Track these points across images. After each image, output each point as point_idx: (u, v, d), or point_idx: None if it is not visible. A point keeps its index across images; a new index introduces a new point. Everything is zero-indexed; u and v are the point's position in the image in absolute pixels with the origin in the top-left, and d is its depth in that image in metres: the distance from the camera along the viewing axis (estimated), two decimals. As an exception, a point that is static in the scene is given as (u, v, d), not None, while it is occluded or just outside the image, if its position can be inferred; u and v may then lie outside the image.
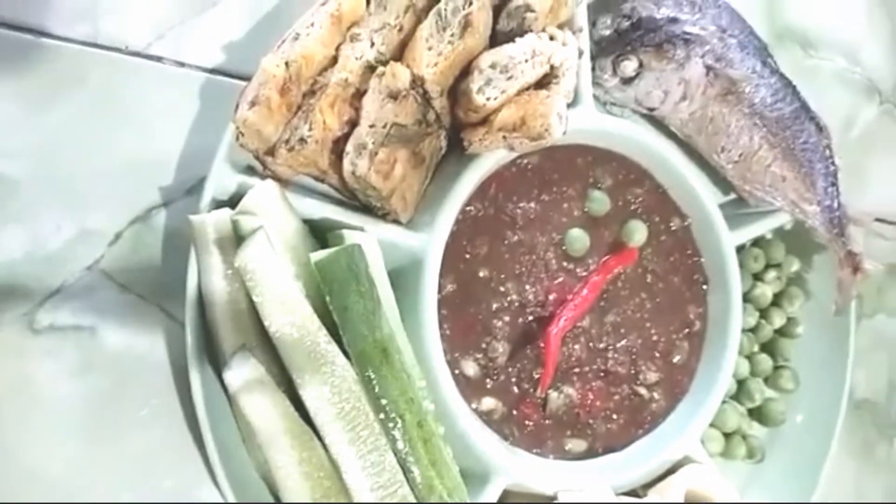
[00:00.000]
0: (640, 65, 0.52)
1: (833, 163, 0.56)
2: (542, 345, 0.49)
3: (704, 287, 0.56)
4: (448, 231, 0.47)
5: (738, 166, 0.56)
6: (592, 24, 0.53)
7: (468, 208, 0.49)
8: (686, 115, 0.54)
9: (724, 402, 0.58)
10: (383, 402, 0.39)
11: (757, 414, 0.60)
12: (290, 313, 0.38)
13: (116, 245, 0.43)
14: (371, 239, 0.42)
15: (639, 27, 0.52)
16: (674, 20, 0.52)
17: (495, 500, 0.46)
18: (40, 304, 0.42)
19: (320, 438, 0.40)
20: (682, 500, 0.48)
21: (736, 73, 0.52)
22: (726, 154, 0.56)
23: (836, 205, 0.57)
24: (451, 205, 0.47)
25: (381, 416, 0.40)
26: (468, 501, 0.44)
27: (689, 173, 0.55)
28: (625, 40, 0.52)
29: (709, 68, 0.52)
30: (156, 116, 0.45)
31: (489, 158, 0.48)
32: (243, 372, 0.37)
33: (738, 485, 0.58)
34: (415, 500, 0.41)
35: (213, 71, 0.46)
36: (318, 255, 0.38)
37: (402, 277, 0.46)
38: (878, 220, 0.66)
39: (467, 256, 0.49)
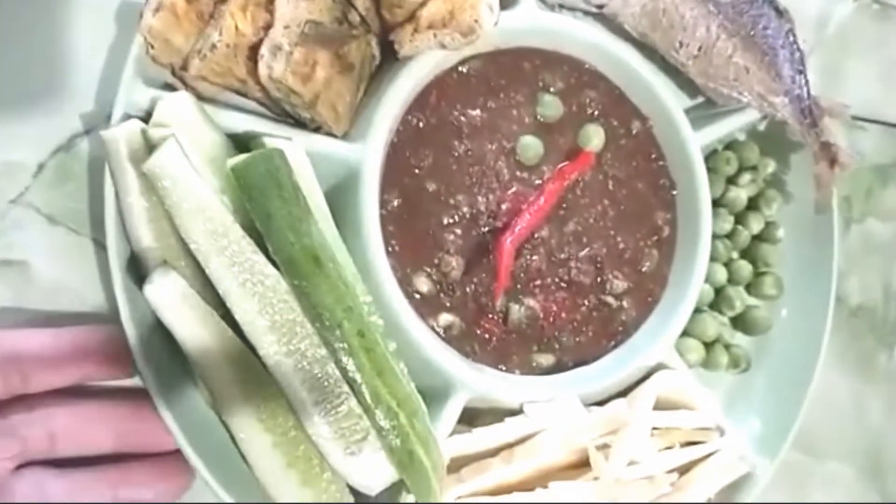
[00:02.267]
0: (584, -43, 0.49)
1: (798, 48, 0.53)
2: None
3: (673, 192, 0.54)
4: (384, 138, 0.45)
5: (699, 62, 0.54)
6: (532, -79, 0.50)
7: (408, 118, 0.47)
8: (638, 10, 0.52)
9: (702, 311, 0.56)
10: (318, 311, 0.38)
11: (742, 323, 0.58)
12: (208, 221, 0.36)
13: (41, 176, 0.42)
14: (297, 147, 0.40)
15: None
16: None
17: (457, 415, 0.45)
18: (-32, 241, 0.41)
19: (257, 355, 0.38)
20: (652, 406, 0.46)
21: (683, -44, 0.49)
22: (685, 49, 0.53)
23: (805, 93, 0.54)
24: (386, 111, 0.45)
25: (318, 325, 0.38)
26: (426, 414, 0.42)
27: (646, 72, 0.52)
28: (565, -66, 0.50)
29: (654, -46, 0.49)
30: (72, 44, 0.43)
31: (426, 64, 0.46)
32: (165, 285, 0.36)
33: (724, 400, 0.56)
34: (361, 412, 0.39)
35: (125, -6, 0.44)
36: (234, 160, 0.37)
37: (342, 193, 0.44)
38: (857, 118, 0.64)
39: (413, 170, 0.47)
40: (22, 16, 0.43)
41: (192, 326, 0.37)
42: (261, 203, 0.37)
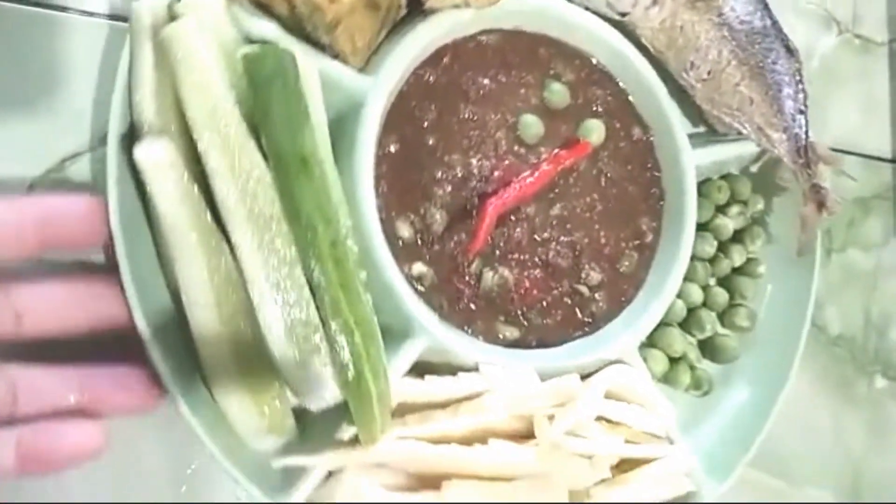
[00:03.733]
0: (614, -37, 0.52)
1: (803, 90, 0.55)
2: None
3: (661, 203, 0.55)
4: (395, 80, 0.46)
5: (707, 86, 0.56)
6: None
7: (421, 71, 0.49)
8: (657, 24, 0.54)
9: (671, 325, 0.56)
10: (297, 209, 0.38)
11: (709, 349, 0.58)
12: (210, 97, 0.37)
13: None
14: (310, 63, 0.42)
15: (615, -73, 0.53)
16: (649, -77, 0.52)
17: (413, 359, 0.45)
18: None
19: (229, 243, 0.39)
20: (602, 397, 0.46)
21: (707, -24, 0.52)
22: (695, 71, 0.55)
23: (803, 134, 0.56)
24: (401, 56, 0.46)
25: (294, 225, 0.38)
26: (381, 348, 0.42)
27: (656, 84, 0.54)
28: (600, -61, 0.52)
29: (679, -31, 0.52)
30: (64, 67, 0.44)
31: (447, 23, 0.48)
32: (155, 151, 0.36)
33: (682, 416, 0.55)
34: (318, 324, 0.39)
35: (118, 18, 0.46)
36: (248, 48, 0.38)
37: (343, 124, 0.46)
38: (839, 150, 0.65)
39: (416, 120, 0.48)
40: (14, 39, 0.44)
41: (172, 200, 0.37)
42: (264, 95, 0.38)
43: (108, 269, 0.40)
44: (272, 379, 0.41)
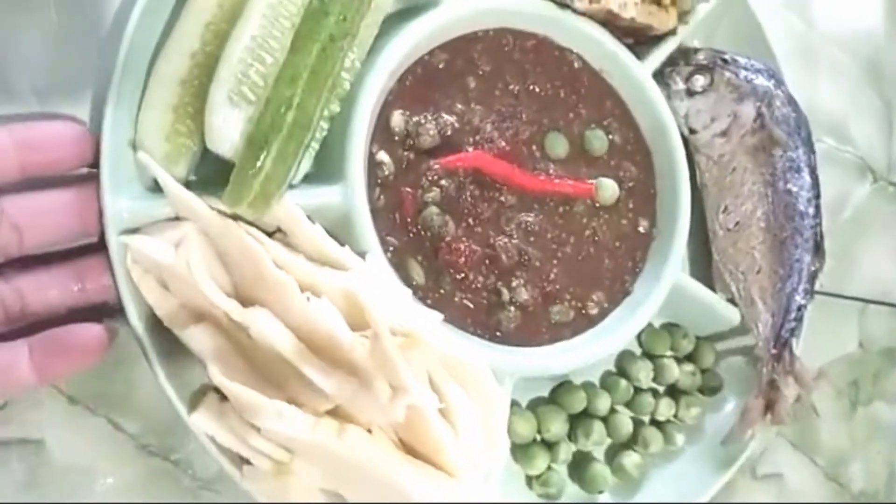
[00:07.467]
0: (711, 83, 0.55)
1: (811, 291, 0.54)
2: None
3: (624, 295, 0.53)
4: (469, 12, 0.49)
5: (729, 237, 0.55)
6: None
7: (501, 33, 0.51)
8: (715, 156, 0.55)
9: (562, 410, 0.52)
10: (314, 19, 0.40)
11: (579, 466, 0.53)
12: None
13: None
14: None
15: (726, 62, 0.56)
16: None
17: (320, 202, 0.44)
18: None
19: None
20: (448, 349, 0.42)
21: (779, 134, 0.53)
22: (726, 216, 0.56)
23: (789, 328, 0.53)
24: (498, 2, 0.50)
25: (302, 23, 0.41)
26: (300, 152, 0.42)
27: (685, 197, 0.54)
28: (708, 61, 0.56)
29: (759, 115, 0.54)
30: None
31: (555, 14, 0.52)
32: None
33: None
34: (272, 85, 0.40)
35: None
36: None
37: (401, 17, 0.48)
38: (868, 300, 0.63)
39: (470, 60, 0.50)
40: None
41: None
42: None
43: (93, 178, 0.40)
44: (197, 116, 0.42)
